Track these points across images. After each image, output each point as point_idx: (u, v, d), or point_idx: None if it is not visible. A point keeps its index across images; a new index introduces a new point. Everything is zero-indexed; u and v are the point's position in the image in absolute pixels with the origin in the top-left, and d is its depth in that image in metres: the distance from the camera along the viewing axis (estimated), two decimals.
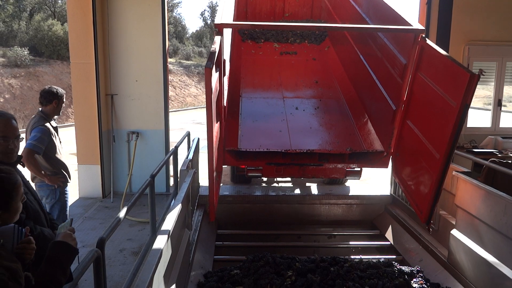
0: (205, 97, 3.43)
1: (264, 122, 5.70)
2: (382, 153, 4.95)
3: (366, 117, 5.48)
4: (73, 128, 7.44)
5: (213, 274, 4.39)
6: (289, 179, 8.37)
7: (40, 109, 4.26)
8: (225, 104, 4.81)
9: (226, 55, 5.01)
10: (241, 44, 7.29)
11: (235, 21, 5.79)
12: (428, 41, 4.13)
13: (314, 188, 6.92)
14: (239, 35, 7.40)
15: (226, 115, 5.19)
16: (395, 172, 5.02)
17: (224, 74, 4.63)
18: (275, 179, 8.44)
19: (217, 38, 3.98)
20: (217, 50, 3.71)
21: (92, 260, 2.07)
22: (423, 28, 4.19)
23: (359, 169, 5.51)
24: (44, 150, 4.10)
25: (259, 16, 8.06)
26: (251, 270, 4.21)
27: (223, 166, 5.62)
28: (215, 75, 3.77)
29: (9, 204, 1.71)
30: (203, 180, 7.44)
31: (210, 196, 3.99)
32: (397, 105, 4.58)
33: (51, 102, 4.19)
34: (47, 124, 4.17)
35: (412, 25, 4.25)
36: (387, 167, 5.16)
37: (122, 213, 2.69)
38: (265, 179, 8.49)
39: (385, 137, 4.89)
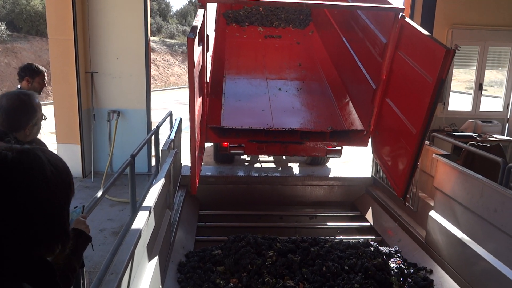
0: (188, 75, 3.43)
1: (247, 101, 5.80)
2: (362, 132, 5.08)
3: (348, 98, 5.60)
4: (52, 106, 7.24)
5: (194, 254, 4.40)
6: (271, 159, 8.48)
7: (18, 86, 4.16)
8: (208, 81, 4.85)
9: (210, 32, 4.99)
10: (226, 28, 7.29)
11: None
12: (408, 20, 4.24)
13: (296, 170, 6.95)
14: (224, 18, 7.34)
15: (209, 93, 5.24)
16: (374, 150, 5.16)
17: (207, 50, 4.64)
18: (258, 159, 8.50)
19: (200, 12, 3.92)
20: (199, 23, 3.67)
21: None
22: (403, 7, 4.34)
23: (339, 147, 5.74)
24: None
25: None
26: (232, 250, 4.23)
27: (206, 146, 5.69)
28: (198, 49, 3.77)
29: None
30: (186, 160, 7.40)
31: (192, 169, 4.04)
32: (377, 84, 4.70)
33: (23, 79, 4.07)
34: None
35: (392, 4, 4.39)
36: (366, 145, 5.29)
37: (99, 194, 2.63)
38: (247, 159, 8.55)
39: (365, 116, 5.03)
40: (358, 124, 5.17)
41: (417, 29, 4.02)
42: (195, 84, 3.55)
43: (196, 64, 3.58)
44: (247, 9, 7.53)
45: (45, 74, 4.25)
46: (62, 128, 6.96)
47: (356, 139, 5.23)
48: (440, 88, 3.62)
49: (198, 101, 3.97)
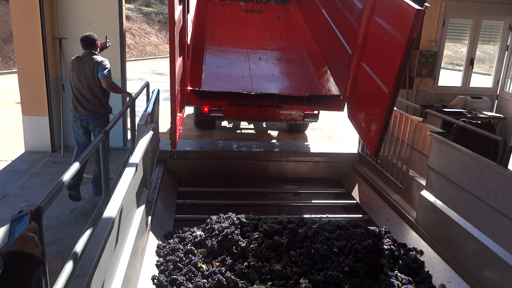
0: (168, 44, 3.52)
1: (227, 68, 6.09)
2: (338, 97, 5.38)
3: (326, 67, 5.98)
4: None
5: (174, 235, 4.12)
6: (252, 127, 8.58)
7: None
8: (188, 43, 5.12)
9: (192, 4, 5.44)
10: (208, 2, 7.42)
11: None
12: None
13: (280, 145, 6.70)
14: None
15: (190, 59, 5.50)
16: (350, 113, 5.41)
17: (188, 12, 4.86)
18: (240, 127, 8.42)
19: None
20: None
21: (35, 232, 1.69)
22: None
23: (316, 112, 6.26)
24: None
25: None
26: (214, 231, 3.96)
27: (185, 118, 5.72)
28: (178, 7, 3.89)
29: None
30: (164, 134, 7.04)
31: (172, 124, 4.23)
32: (353, 50, 5.00)
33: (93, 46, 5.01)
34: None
35: None
36: (342, 110, 5.57)
37: (66, 177, 2.27)
38: (228, 126, 8.59)
39: (341, 83, 5.35)
40: (334, 90, 5.46)
41: None
42: (175, 41, 3.68)
43: (177, 21, 3.67)
44: None
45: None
46: (27, 98, 6.42)
47: (332, 104, 5.51)
48: (411, 47, 3.84)
49: (179, 60, 4.14)
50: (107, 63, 4.89)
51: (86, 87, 4.87)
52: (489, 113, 6.49)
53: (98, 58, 4.89)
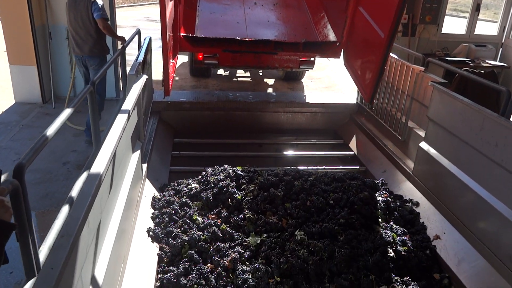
0: None
1: (222, 14, 5.93)
2: (335, 43, 5.34)
3: (323, 12, 5.86)
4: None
5: (169, 187, 4.09)
6: (248, 75, 8.40)
7: None
8: None
9: None
10: None
11: None
12: None
13: (277, 96, 6.55)
14: None
15: (183, 4, 5.40)
16: (346, 60, 5.39)
17: None
18: (236, 75, 8.24)
19: None
20: None
21: (7, 194, 1.60)
22: None
23: (312, 59, 6.12)
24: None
25: None
26: (210, 184, 3.93)
27: (181, 63, 5.54)
28: None
29: None
30: (159, 85, 6.84)
31: (165, 70, 4.18)
32: None
33: None
34: None
35: None
36: (339, 57, 5.51)
37: (50, 130, 2.16)
38: (224, 73, 8.44)
39: (338, 29, 5.31)
40: (331, 36, 5.38)
41: None
42: None
43: None
44: None
45: None
46: (13, 47, 6.14)
47: (328, 50, 5.45)
48: None
49: (170, 4, 4.09)
50: (100, 1, 4.93)
51: (82, 27, 4.95)
52: (493, 62, 6.27)
53: None
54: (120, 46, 5.24)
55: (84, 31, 4.97)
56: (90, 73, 5.20)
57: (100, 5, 4.89)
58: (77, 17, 4.93)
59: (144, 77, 4.05)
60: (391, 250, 3.28)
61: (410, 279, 3.08)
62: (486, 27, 8.07)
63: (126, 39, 5.35)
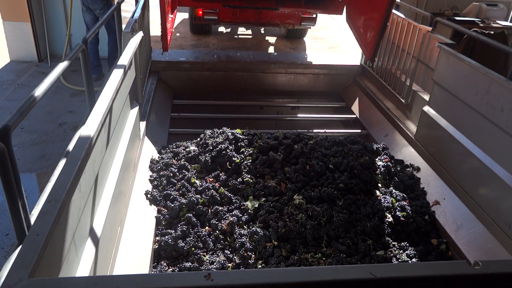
0: None
1: None
2: None
3: None
4: None
5: (168, 149, 4.04)
6: (249, 33, 8.14)
7: None
8: None
9: None
10: None
11: None
12: None
13: (278, 56, 6.35)
14: None
15: None
16: (348, 17, 5.33)
17: None
18: (237, 33, 7.97)
19: None
20: None
21: None
22: None
23: (314, 15, 6.01)
24: None
25: None
26: (208, 147, 3.87)
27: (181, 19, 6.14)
28: None
29: None
30: (158, 44, 6.64)
31: (162, 24, 4.11)
32: None
33: None
34: None
35: None
36: (341, 13, 5.44)
37: (38, 91, 2.06)
38: (225, 31, 8.20)
39: None
40: None
41: None
42: None
43: None
44: None
45: None
46: (5, 2, 5.90)
47: (331, 6, 5.37)
48: None
49: None
50: None
51: None
52: (504, 23, 6.01)
53: None
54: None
55: None
56: (96, 15, 5.33)
57: None
58: None
59: (140, 33, 3.90)
60: (389, 215, 3.27)
61: (407, 244, 3.08)
62: None
63: None
